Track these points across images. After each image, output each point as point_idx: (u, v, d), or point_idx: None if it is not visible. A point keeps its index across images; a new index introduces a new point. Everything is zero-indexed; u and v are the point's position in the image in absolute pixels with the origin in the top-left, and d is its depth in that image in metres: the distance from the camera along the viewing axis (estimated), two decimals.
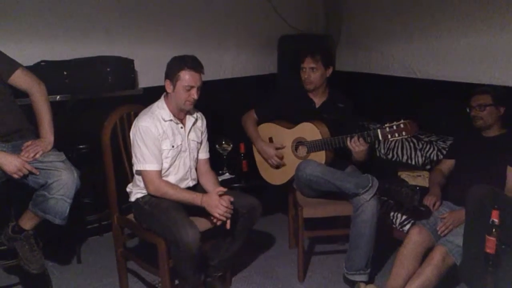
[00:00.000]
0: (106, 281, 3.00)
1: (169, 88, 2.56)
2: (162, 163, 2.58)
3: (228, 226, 2.50)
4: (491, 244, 2.12)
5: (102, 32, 3.37)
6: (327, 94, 3.13)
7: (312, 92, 3.10)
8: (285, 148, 3.14)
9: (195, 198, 2.52)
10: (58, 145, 2.65)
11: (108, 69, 3.19)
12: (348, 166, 3.07)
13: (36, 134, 2.67)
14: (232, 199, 2.50)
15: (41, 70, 2.93)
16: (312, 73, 3.02)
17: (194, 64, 2.53)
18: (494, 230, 2.11)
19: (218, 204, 2.45)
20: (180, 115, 2.65)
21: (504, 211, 2.15)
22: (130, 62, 3.34)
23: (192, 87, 2.52)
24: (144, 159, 2.54)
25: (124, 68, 3.30)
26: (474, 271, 2.20)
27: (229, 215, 2.47)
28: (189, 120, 2.70)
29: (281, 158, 3.15)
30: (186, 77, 2.51)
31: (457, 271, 2.30)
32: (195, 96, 2.55)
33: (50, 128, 2.63)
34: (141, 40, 3.54)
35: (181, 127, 2.65)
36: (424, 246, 2.62)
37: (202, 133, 2.78)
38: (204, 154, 2.82)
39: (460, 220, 2.59)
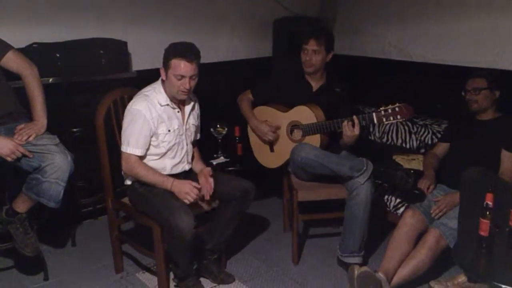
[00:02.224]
0: (101, 264, 3.01)
1: (163, 75, 2.54)
2: (146, 149, 2.56)
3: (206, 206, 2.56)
4: (484, 227, 2.13)
5: (95, 14, 3.33)
6: (325, 79, 3.11)
7: (310, 75, 3.08)
8: (280, 131, 3.13)
9: (165, 182, 2.53)
10: (51, 129, 2.62)
11: (101, 52, 3.17)
12: (343, 150, 3.07)
13: (29, 117, 2.64)
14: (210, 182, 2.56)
15: (33, 52, 2.90)
16: (314, 55, 2.99)
17: (186, 53, 2.45)
18: (488, 212, 2.12)
19: (190, 192, 2.48)
20: (176, 100, 2.63)
21: (498, 194, 2.16)
22: (123, 44, 3.31)
23: (183, 76, 2.46)
24: (128, 141, 2.53)
25: (117, 50, 3.28)
26: (467, 254, 2.21)
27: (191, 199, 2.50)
28: (188, 104, 2.68)
29: (275, 131, 3.12)
30: (177, 66, 2.45)
31: (450, 254, 2.32)
32: (187, 86, 2.48)
33: (43, 111, 2.60)
34: (134, 22, 3.50)
35: (178, 111, 2.63)
36: (417, 229, 2.63)
37: (197, 116, 2.77)
38: (197, 135, 2.82)
39: (454, 203, 2.60)
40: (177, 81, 2.48)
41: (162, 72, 2.54)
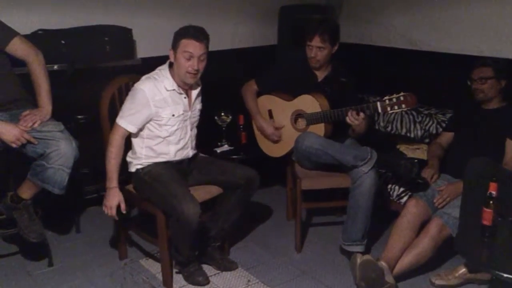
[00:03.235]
0: (105, 250, 3.03)
1: (172, 57, 2.54)
2: (137, 128, 2.57)
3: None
4: (488, 216, 2.13)
5: (100, 1, 3.32)
6: (330, 68, 3.09)
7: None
8: (285, 120, 3.13)
9: (109, 181, 2.56)
10: (56, 115, 2.64)
11: (106, 39, 3.15)
12: (347, 139, 3.07)
13: (34, 103, 2.65)
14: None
15: (38, 38, 2.89)
16: (319, 52, 2.96)
17: (196, 33, 2.49)
18: (491, 202, 2.12)
19: (112, 205, 2.53)
20: (184, 86, 2.62)
21: (502, 184, 2.15)
22: (128, 31, 3.30)
23: (191, 55, 2.48)
24: (124, 114, 2.55)
25: (122, 37, 3.27)
26: (470, 243, 2.22)
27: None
28: (195, 89, 2.68)
29: (279, 136, 3.14)
30: (186, 44, 2.48)
31: (453, 243, 2.32)
32: (195, 66, 2.50)
33: (48, 98, 2.61)
34: (139, 9, 3.48)
35: (185, 97, 2.63)
36: (420, 218, 2.64)
37: (201, 100, 2.78)
38: None
39: (457, 193, 2.60)
40: (186, 61, 2.49)
41: (171, 53, 2.54)
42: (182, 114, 2.62)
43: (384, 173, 3.09)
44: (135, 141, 2.64)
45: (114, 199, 2.54)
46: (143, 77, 2.59)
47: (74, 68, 3.08)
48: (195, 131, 2.76)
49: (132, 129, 2.56)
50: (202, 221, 2.54)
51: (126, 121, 2.54)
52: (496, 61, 2.79)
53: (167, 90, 2.56)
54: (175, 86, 2.57)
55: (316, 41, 2.93)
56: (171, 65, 2.59)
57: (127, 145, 2.67)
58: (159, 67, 2.62)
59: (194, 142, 2.77)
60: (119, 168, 2.59)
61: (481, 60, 2.81)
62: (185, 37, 2.48)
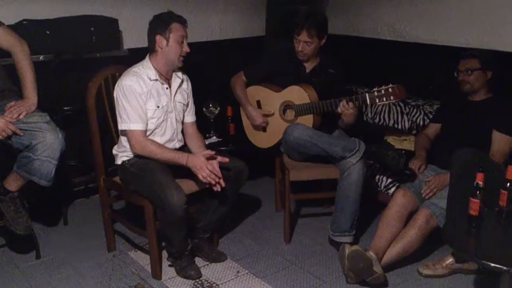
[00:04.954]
0: (93, 242, 3.01)
1: (161, 43, 2.52)
2: (147, 123, 2.56)
3: (217, 188, 2.48)
4: (474, 206, 2.15)
5: None
6: (318, 60, 3.09)
7: None
8: (273, 111, 3.13)
9: (181, 158, 2.50)
10: (42, 107, 2.60)
11: (92, 29, 3.13)
12: (336, 130, 3.07)
13: (19, 94, 2.62)
14: (225, 160, 2.48)
15: (23, 29, 2.86)
16: (307, 46, 2.95)
17: (180, 16, 2.56)
18: (478, 192, 2.14)
19: (203, 166, 2.43)
20: (167, 75, 2.62)
21: (488, 174, 2.17)
22: (114, 21, 3.27)
23: (183, 38, 2.54)
24: (129, 118, 2.51)
25: (108, 28, 3.24)
26: (457, 233, 2.24)
27: (215, 179, 2.45)
28: (175, 81, 2.67)
29: (267, 122, 3.14)
30: (178, 28, 2.52)
31: (440, 233, 2.34)
32: (188, 49, 2.56)
33: (34, 89, 2.57)
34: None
35: (167, 88, 2.63)
36: (408, 208, 2.66)
37: (188, 95, 2.76)
38: (191, 117, 2.80)
39: (445, 183, 2.62)
40: (179, 45, 2.53)
41: (161, 39, 2.52)
42: (166, 105, 2.61)
43: (372, 164, 3.10)
44: (122, 135, 2.63)
45: (199, 162, 2.43)
46: (123, 74, 2.57)
47: (59, 58, 3.04)
48: (180, 124, 2.75)
49: (143, 126, 2.54)
50: (190, 213, 2.53)
51: (137, 122, 2.51)
52: (482, 53, 2.81)
53: (151, 80, 2.55)
54: (157, 76, 2.57)
55: (304, 36, 2.92)
56: (152, 54, 2.58)
57: (113, 140, 2.66)
58: (140, 62, 2.60)
59: (180, 134, 2.76)
60: (167, 147, 2.58)
61: (468, 52, 2.82)
62: (175, 21, 2.52)
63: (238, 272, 2.77)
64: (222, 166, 2.51)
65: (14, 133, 2.43)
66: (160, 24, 2.51)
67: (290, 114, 3.07)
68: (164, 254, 2.79)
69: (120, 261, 2.85)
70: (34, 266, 2.79)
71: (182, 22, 2.55)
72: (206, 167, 2.43)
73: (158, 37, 2.52)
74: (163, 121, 2.62)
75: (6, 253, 2.89)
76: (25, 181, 2.59)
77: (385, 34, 3.83)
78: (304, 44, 2.95)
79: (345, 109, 2.77)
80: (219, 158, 2.48)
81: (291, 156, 3.05)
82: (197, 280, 2.68)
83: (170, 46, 2.52)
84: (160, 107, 2.59)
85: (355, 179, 2.76)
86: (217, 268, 2.80)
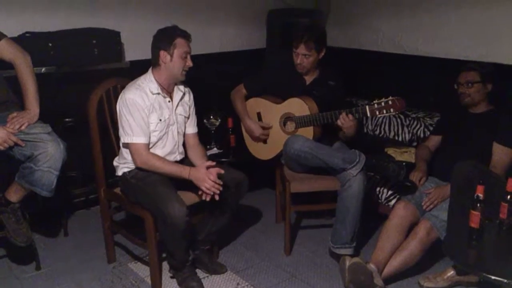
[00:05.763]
0: (93, 254, 3.01)
1: (165, 58, 2.54)
2: (149, 136, 2.57)
3: (216, 197, 2.48)
4: (475, 219, 2.15)
5: (88, 3, 3.30)
6: (318, 72, 3.11)
7: None
8: (273, 123, 3.14)
9: (183, 171, 2.51)
10: (43, 118, 2.61)
11: (94, 41, 3.14)
12: (336, 142, 3.08)
13: (21, 106, 2.63)
14: (222, 171, 2.49)
15: (26, 41, 2.87)
16: (305, 59, 2.97)
17: (184, 31, 2.57)
18: (478, 205, 2.14)
19: (206, 178, 2.44)
20: (169, 88, 2.63)
21: (489, 187, 2.18)
22: (116, 34, 3.28)
23: (187, 54, 2.55)
24: (132, 131, 2.52)
25: (110, 40, 3.25)
26: (458, 245, 2.24)
27: (217, 190, 2.46)
28: (177, 94, 2.68)
29: (267, 134, 3.15)
30: (183, 44, 2.54)
31: (441, 245, 2.34)
32: (191, 64, 2.57)
33: (36, 100, 2.59)
34: (127, 12, 3.48)
35: (169, 101, 2.64)
36: (409, 220, 2.65)
37: (189, 108, 2.77)
38: (192, 129, 2.81)
39: (445, 196, 2.62)
40: (182, 60, 2.54)
41: (165, 55, 2.53)
42: (168, 118, 2.63)
43: (372, 176, 3.10)
44: (123, 147, 2.63)
45: (201, 174, 2.45)
46: (127, 87, 2.59)
47: (61, 71, 3.06)
48: (182, 137, 2.75)
49: (146, 140, 2.55)
50: (192, 224, 2.53)
51: (139, 135, 2.52)
52: (482, 66, 2.83)
53: (153, 94, 2.56)
54: (159, 90, 2.58)
55: (302, 49, 2.94)
56: (154, 68, 2.60)
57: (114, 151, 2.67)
58: (143, 76, 2.62)
59: (181, 147, 2.77)
60: (170, 161, 2.60)
61: (468, 65, 2.84)
62: (180, 36, 2.53)
63: (238, 284, 2.76)
64: (222, 178, 2.51)
65: (16, 144, 2.43)
66: (165, 39, 2.53)
67: (290, 126, 3.08)
68: (165, 266, 2.78)
69: (120, 273, 2.84)
70: (34, 277, 2.78)
71: (187, 37, 2.56)
72: (209, 178, 2.43)
73: (162, 52, 2.53)
74: (164, 134, 2.63)
75: (6, 264, 2.89)
76: (26, 192, 2.59)
77: (385, 46, 3.86)
78: (303, 57, 2.97)
79: (345, 121, 2.79)
80: (216, 169, 2.48)
81: (292, 168, 3.06)
82: None
83: (174, 62, 2.53)
84: (163, 120, 2.60)
85: (356, 191, 2.75)
86: (217, 280, 2.79)
